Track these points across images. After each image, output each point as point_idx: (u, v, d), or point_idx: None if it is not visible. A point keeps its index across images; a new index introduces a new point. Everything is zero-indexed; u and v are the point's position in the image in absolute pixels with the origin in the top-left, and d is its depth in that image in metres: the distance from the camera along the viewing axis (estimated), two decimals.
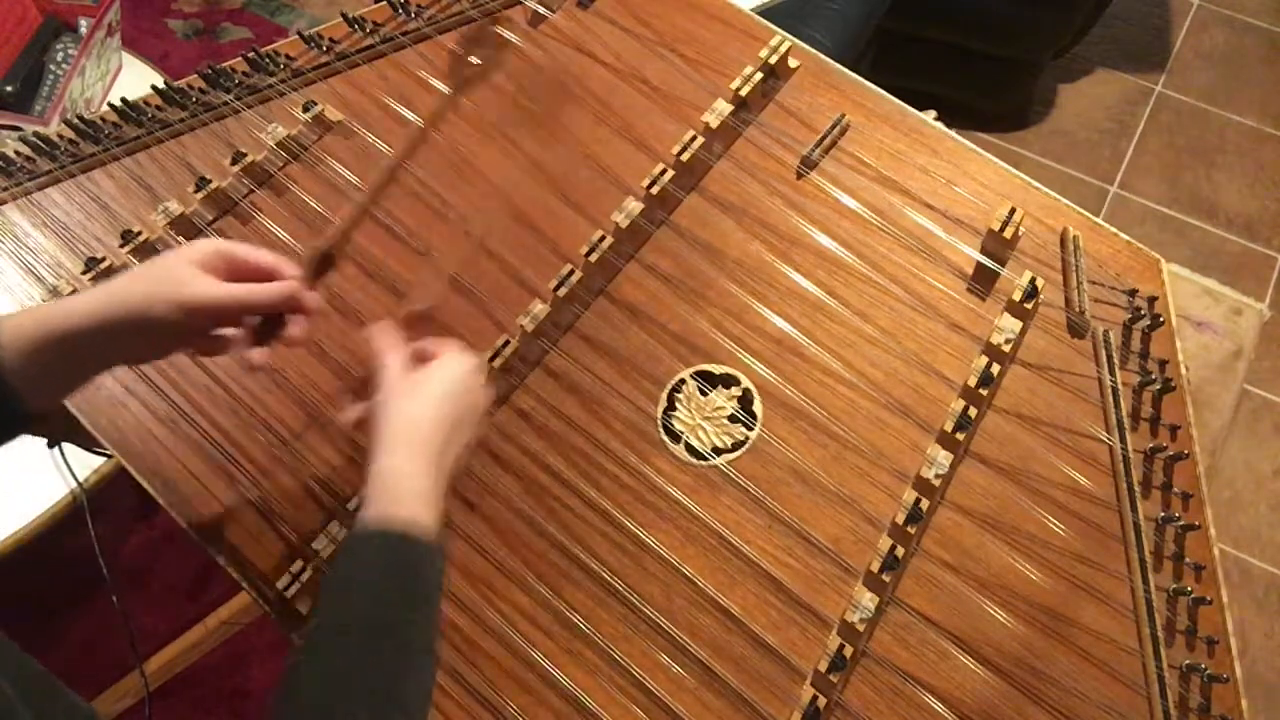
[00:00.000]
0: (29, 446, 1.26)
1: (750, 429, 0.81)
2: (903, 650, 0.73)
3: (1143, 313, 0.82)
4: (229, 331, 0.65)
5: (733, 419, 0.81)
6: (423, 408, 0.61)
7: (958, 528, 0.77)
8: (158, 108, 0.95)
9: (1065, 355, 0.83)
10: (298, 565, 0.73)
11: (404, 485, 0.59)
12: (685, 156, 0.89)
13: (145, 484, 0.79)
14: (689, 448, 0.80)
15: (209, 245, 0.63)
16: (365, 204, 0.71)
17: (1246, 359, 1.06)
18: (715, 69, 0.97)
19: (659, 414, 0.81)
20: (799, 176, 0.92)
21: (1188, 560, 0.75)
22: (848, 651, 0.70)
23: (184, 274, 0.61)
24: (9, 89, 1.42)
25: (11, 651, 0.48)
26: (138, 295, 0.60)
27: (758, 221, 0.90)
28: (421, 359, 0.65)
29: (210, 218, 0.90)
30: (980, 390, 0.78)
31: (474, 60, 0.74)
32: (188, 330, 0.62)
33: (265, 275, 0.65)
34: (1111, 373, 0.81)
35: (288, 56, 0.97)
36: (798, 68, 0.97)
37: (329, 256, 0.69)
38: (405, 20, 1.00)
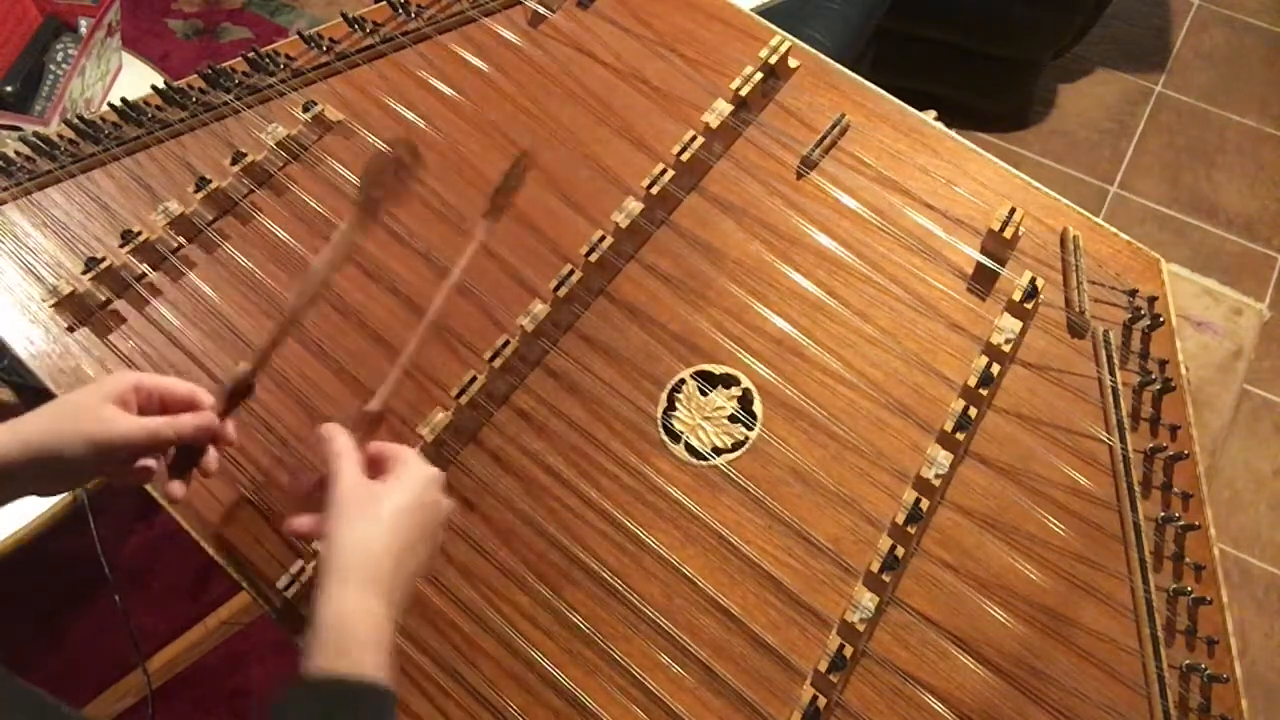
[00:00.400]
0: None
1: (750, 429, 0.81)
2: (903, 650, 0.73)
3: (1143, 313, 0.82)
4: (146, 462, 0.64)
5: (733, 419, 0.81)
6: (377, 531, 0.57)
7: (958, 528, 0.77)
8: (158, 108, 0.95)
9: (1065, 355, 0.83)
10: (297, 565, 0.73)
11: (353, 632, 0.54)
12: (685, 156, 0.89)
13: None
14: (689, 448, 0.80)
15: (122, 380, 0.63)
16: (284, 325, 0.68)
17: (1246, 359, 1.06)
18: (715, 69, 0.97)
19: (659, 414, 0.81)
20: (799, 176, 0.92)
21: (1188, 560, 0.75)
22: (848, 651, 0.70)
23: (96, 411, 0.60)
24: (9, 89, 1.42)
25: (34, 697, 0.48)
26: (49, 436, 0.59)
27: (758, 221, 0.90)
28: (377, 465, 0.62)
29: (210, 218, 0.90)
30: (980, 390, 0.78)
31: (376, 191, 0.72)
32: (101, 466, 0.62)
33: (181, 405, 0.65)
34: (1111, 373, 0.81)
35: (288, 56, 0.97)
36: (798, 68, 0.97)
37: (247, 384, 0.68)
38: (405, 20, 1.00)
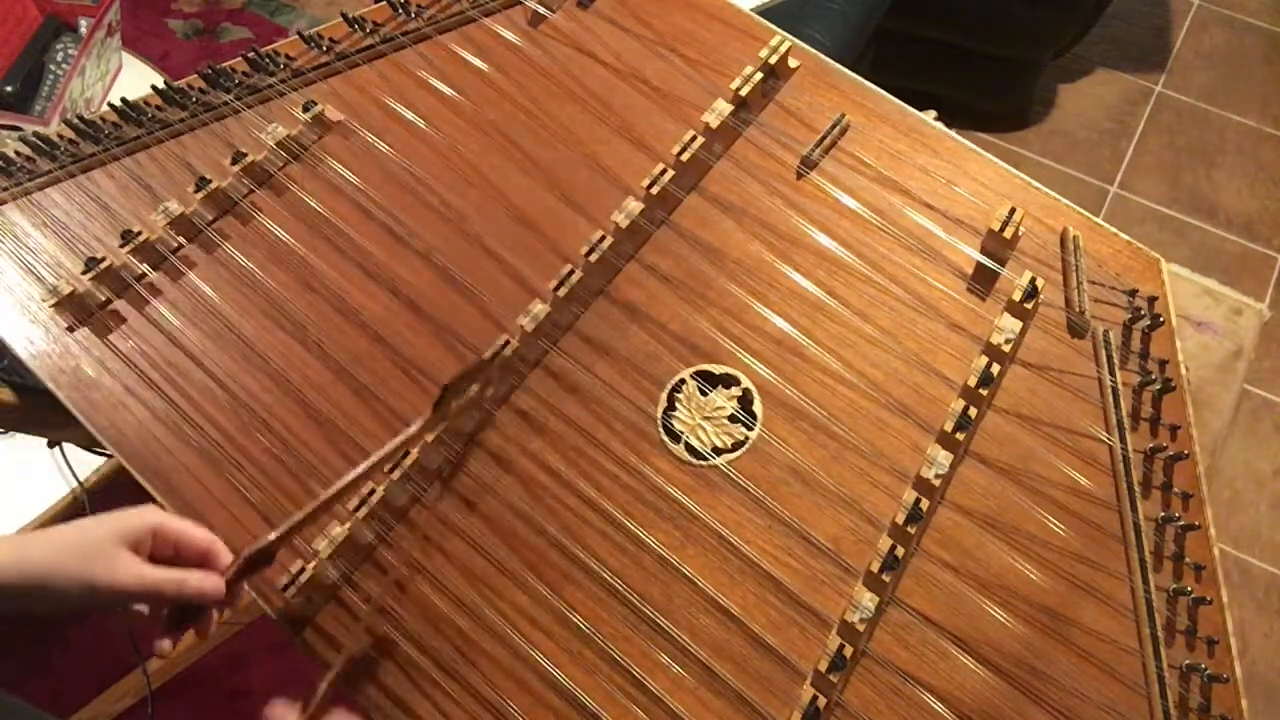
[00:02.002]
0: (29, 447, 1.26)
1: (750, 429, 0.81)
2: (903, 650, 0.73)
3: (1143, 313, 0.82)
4: (140, 608, 0.64)
5: (733, 419, 0.81)
6: None
7: (958, 528, 0.77)
8: (158, 108, 0.95)
9: (1065, 355, 0.84)
10: (297, 565, 0.73)
11: None
12: (685, 156, 0.89)
13: (145, 484, 0.79)
14: (689, 448, 0.80)
15: (142, 520, 0.62)
16: (317, 508, 0.67)
17: (1246, 359, 1.06)
18: (715, 69, 0.97)
19: (659, 414, 0.81)
20: (799, 176, 0.92)
21: (1188, 560, 0.75)
22: (848, 651, 0.70)
23: (107, 555, 0.59)
24: (9, 89, 1.42)
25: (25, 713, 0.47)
26: (52, 570, 0.58)
27: (758, 221, 0.90)
28: None
29: (210, 218, 0.90)
30: (980, 390, 0.78)
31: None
32: (94, 606, 0.61)
33: (196, 557, 0.63)
34: (1111, 373, 0.81)
35: (288, 56, 0.97)
36: (798, 68, 0.97)
37: (268, 555, 0.66)
38: (405, 20, 1.00)
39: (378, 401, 0.82)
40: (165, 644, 0.63)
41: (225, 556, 0.65)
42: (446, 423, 0.76)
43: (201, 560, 0.64)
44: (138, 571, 0.60)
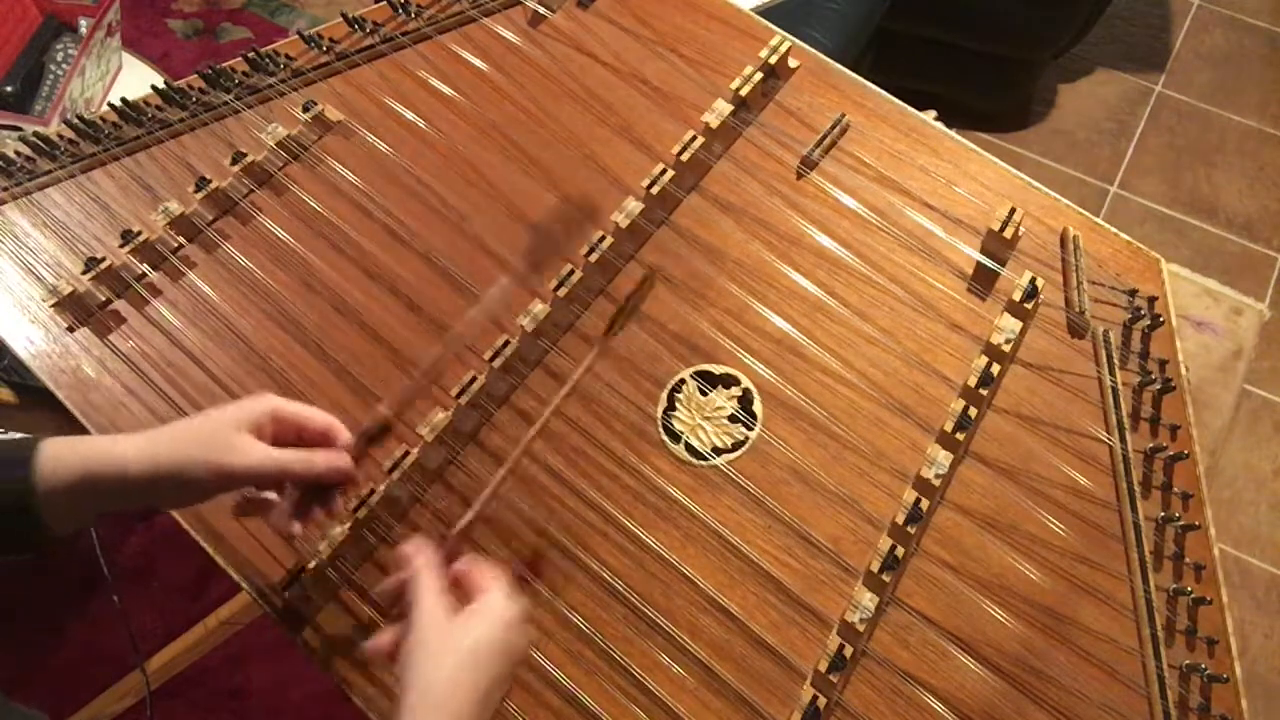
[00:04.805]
0: None
1: (750, 429, 0.81)
2: (903, 650, 0.73)
3: (1143, 313, 0.82)
4: (269, 495, 0.64)
5: (733, 419, 0.81)
6: (458, 671, 0.55)
7: (958, 528, 0.77)
8: (158, 108, 0.95)
9: (1065, 355, 0.84)
10: (297, 565, 0.73)
11: None
12: (685, 156, 0.89)
13: None
14: (689, 448, 0.80)
15: (262, 405, 0.62)
16: (429, 372, 0.67)
17: (1246, 359, 1.06)
18: (715, 69, 0.97)
19: (659, 414, 0.81)
20: (799, 176, 0.92)
21: (1188, 560, 0.75)
22: (848, 651, 0.70)
23: (227, 438, 0.60)
24: (9, 89, 1.42)
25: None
26: (179, 456, 0.59)
27: (758, 221, 0.90)
28: (461, 591, 0.60)
29: (210, 218, 0.90)
30: (980, 390, 0.78)
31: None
32: (226, 490, 0.61)
33: (317, 437, 0.63)
34: (1111, 373, 0.81)
35: (288, 56, 0.97)
36: (798, 68, 0.97)
37: (387, 427, 0.67)
38: (405, 20, 1.00)
39: (377, 401, 0.81)
40: (297, 526, 0.63)
41: (345, 435, 0.64)
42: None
43: (322, 440, 0.64)
44: (265, 452, 0.60)
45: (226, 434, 0.60)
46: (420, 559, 0.60)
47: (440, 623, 0.57)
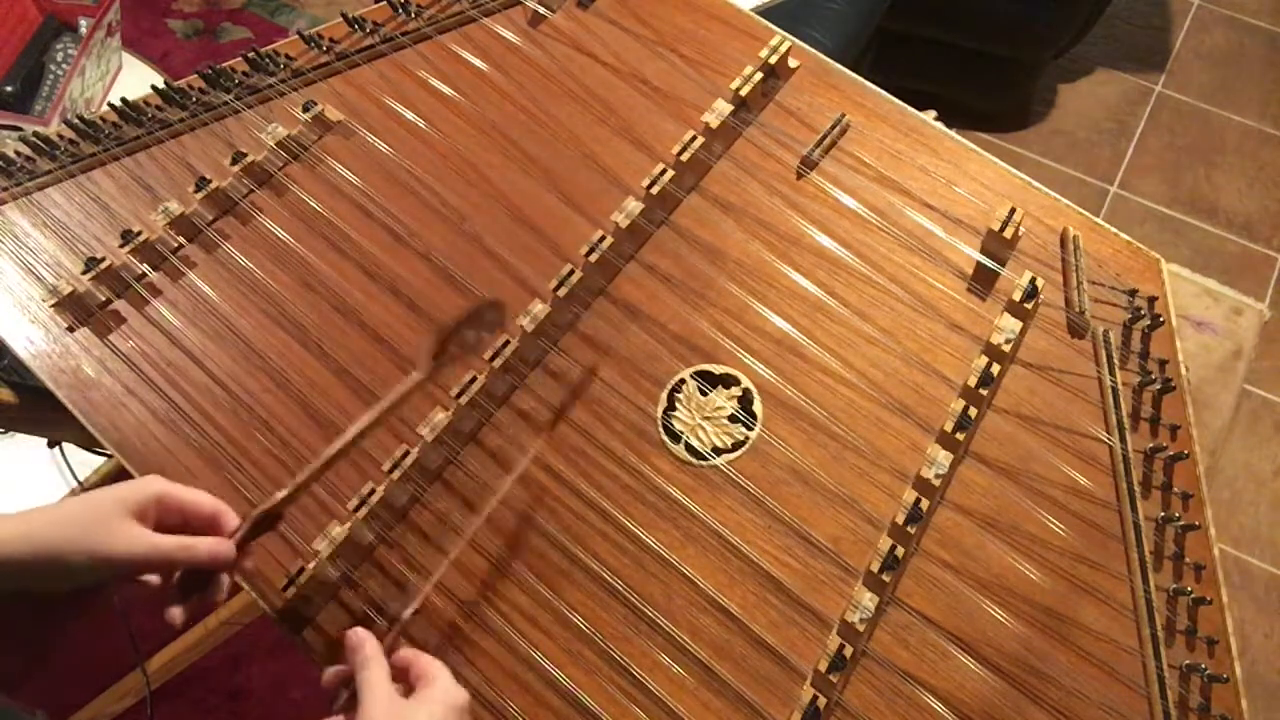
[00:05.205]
0: (29, 446, 1.26)
1: (750, 429, 0.81)
2: (903, 650, 0.73)
3: (1143, 313, 0.82)
4: (150, 579, 0.63)
5: (733, 419, 0.81)
6: None
7: (958, 528, 0.77)
8: (158, 108, 0.95)
9: (1065, 355, 0.84)
10: (297, 565, 0.73)
11: None
12: (685, 156, 0.89)
13: None
14: (689, 448, 0.80)
15: (148, 489, 0.61)
16: (319, 469, 0.66)
17: (1246, 359, 1.06)
18: (715, 69, 0.97)
19: (659, 414, 0.81)
20: (799, 176, 0.92)
21: (1188, 560, 0.75)
22: (848, 651, 0.70)
23: (108, 523, 0.58)
24: (9, 89, 1.42)
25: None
26: (57, 539, 0.58)
27: (758, 221, 0.90)
28: (404, 675, 0.62)
29: (210, 218, 0.90)
30: (980, 390, 0.78)
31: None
32: (107, 577, 0.60)
33: (204, 524, 0.63)
34: (1111, 373, 0.81)
35: (288, 56, 0.97)
36: (798, 68, 0.97)
37: (274, 516, 0.65)
38: (405, 20, 1.00)
39: (377, 401, 0.81)
40: (176, 612, 0.62)
41: (232, 520, 0.64)
42: (448, 365, 0.73)
43: (209, 526, 0.63)
44: (146, 540, 0.59)
45: (108, 519, 0.58)
46: (368, 648, 0.60)
47: (391, 708, 0.58)
